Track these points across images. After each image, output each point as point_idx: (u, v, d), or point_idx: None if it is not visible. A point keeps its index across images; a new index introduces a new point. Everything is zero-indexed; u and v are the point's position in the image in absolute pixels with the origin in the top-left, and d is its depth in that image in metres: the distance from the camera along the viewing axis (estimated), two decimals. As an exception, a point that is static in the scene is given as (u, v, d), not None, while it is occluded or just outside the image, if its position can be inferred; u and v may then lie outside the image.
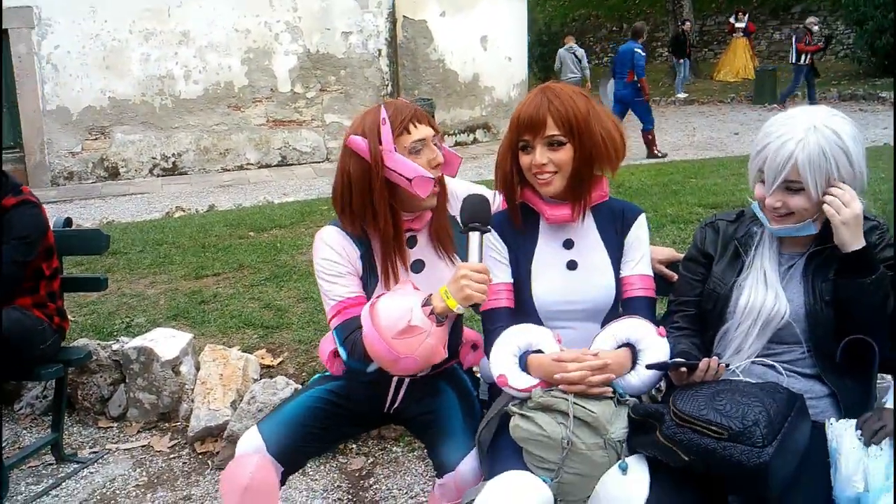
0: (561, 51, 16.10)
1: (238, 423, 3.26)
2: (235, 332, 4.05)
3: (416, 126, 2.11)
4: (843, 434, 1.79)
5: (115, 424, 3.67)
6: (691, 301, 2.12)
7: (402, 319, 1.94)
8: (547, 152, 2.06)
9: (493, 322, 2.16)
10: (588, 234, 2.17)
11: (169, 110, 12.49)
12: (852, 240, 1.84)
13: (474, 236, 1.99)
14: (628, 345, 2.02)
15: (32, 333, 3.02)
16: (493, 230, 2.15)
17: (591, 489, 1.89)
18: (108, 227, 7.49)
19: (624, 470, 1.85)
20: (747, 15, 21.76)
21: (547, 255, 2.17)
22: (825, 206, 1.85)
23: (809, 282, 1.95)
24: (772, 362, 1.96)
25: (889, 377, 2.05)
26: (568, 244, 2.16)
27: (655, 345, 2.00)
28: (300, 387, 3.44)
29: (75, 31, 11.76)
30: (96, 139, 12.16)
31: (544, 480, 1.87)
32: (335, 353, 2.32)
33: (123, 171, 12.34)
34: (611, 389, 1.95)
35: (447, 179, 2.27)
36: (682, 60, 20.77)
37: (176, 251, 5.70)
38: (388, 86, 13.54)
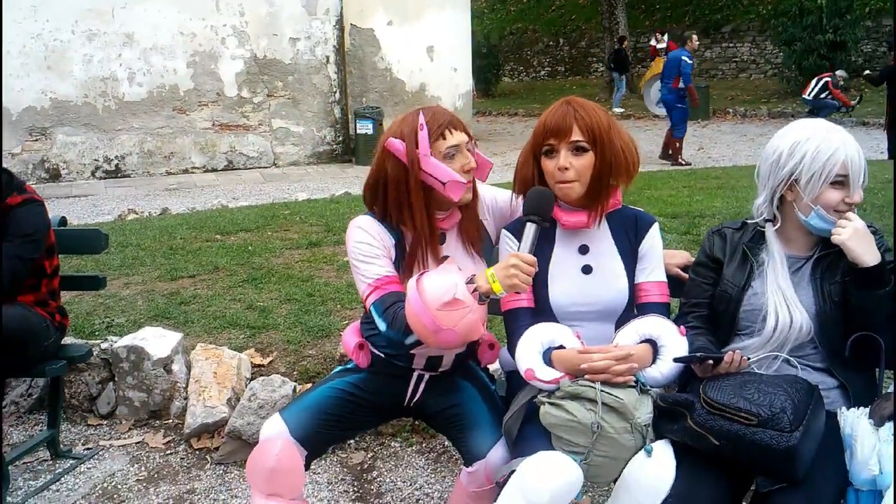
0: None
1: (240, 419, 3.32)
2: (221, 332, 4.09)
3: (451, 132, 2.23)
4: (857, 422, 1.97)
5: (105, 422, 3.68)
6: (703, 303, 2.29)
7: (448, 293, 2.04)
8: (570, 157, 2.19)
9: (515, 321, 2.28)
10: (602, 240, 2.31)
11: (112, 112, 12.32)
12: (865, 255, 2.03)
13: (530, 227, 2.10)
14: (650, 341, 2.17)
15: (38, 330, 3.03)
16: (506, 231, 2.33)
17: (618, 471, 2.03)
18: (62, 229, 7.36)
19: (649, 453, 2.00)
20: (666, 35, 22.13)
21: (563, 260, 2.30)
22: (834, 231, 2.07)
23: (818, 285, 2.14)
24: (786, 356, 2.14)
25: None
26: (583, 249, 2.30)
27: (676, 342, 2.15)
28: (296, 384, 3.52)
29: (16, 29, 11.45)
30: (37, 140, 11.90)
31: (574, 461, 2.01)
32: (360, 346, 2.43)
33: (65, 173, 12.10)
34: (633, 378, 2.10)
35: (478, 184, 2.39)
36: (622, 76, 21.29)
37: (144, 253, 5.68)
38: (335, 92, 13.61)
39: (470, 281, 2.10)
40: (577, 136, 2.18)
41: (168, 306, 4.45)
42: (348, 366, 2.49)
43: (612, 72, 22.04)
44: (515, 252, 2.10)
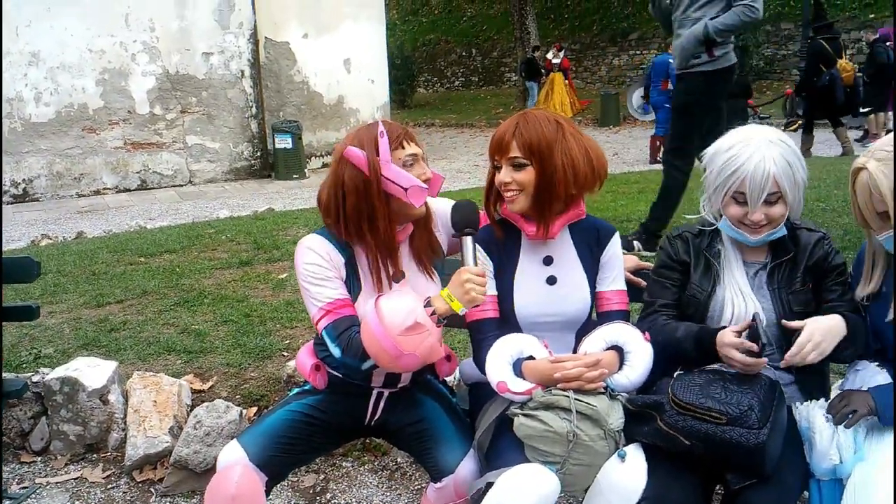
0: None
1: (185, 448, 3.21)
2: (156, 358, 3.96)
3: (408, 143, 2.24)
4: (813, 415, 2.03)
5: (39, 458, 3.51)
6: (672, 304, 2.31)
7: (409, 317, 2.04)
8: (511, 172, 2.22)
9: (481, 332, 2.29)
10: (566, 252, 2.33)
11: (18, 134, 11.86)
12: (832, 347, 2.03)
13: (468, 240, 2.16)
14: (616, 348, 2.20)
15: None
16: (479, 238, 2.32)
17: (592, 478, 2.04)
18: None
19: (623, 457, 2.02)
20: (562, 52, 22.36)
21: (528, 271, 2.32)
22: (794, 358, 2.02)
23: (777, 294, 2.19)
24: None
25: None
26: (547, 260, 2.32)
27: (641, 348, 2.17)
28: (242, 409, 3.43)
29: (-87, 49, 10.93)
30: (-62, 164, 11.34)
31: (551, 471, 2.01)
32: (316, 367, 2.38)
33: (-31, 199, 11.56)
34: (604, 385, 2.12)
35: (429, 200, 2.39)
36: (534, 83, 21.57)
37: (65, 279, 5.46)
38: (252, 107, 13.39)
39: (427, 303, 2.11)
40: (514, 152, 2.21)
41: (97, 334, 4.28)
42: (305, 387, 2.44)
43: (525, 80, 22.33)
44: (464, 268, 2.13)
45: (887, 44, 13.36)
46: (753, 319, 2.03)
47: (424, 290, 2.23)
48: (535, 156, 2.18)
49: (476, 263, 2.16)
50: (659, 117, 13.35)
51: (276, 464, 2.27)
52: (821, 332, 2.01)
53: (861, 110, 13.23)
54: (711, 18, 4.96)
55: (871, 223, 2.04)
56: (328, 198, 2.26)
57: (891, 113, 13.40)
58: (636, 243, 5.40)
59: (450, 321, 2.44)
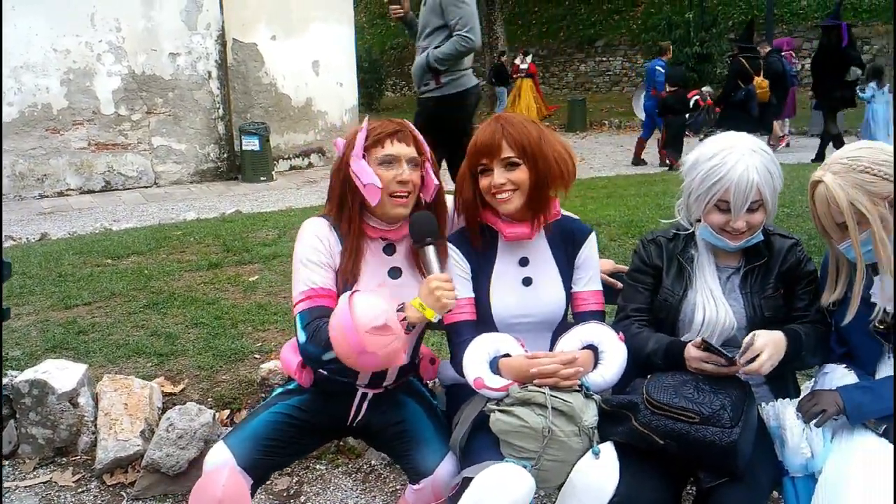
0: None
1: (158, 451, 3.19)
2: (126, 361, 3.92)
3: (392, 143, 2.27)
4: (782, 412, 2.09)
5: (7, 462, 3.46)
6: (644, 308, 2.36)
7: (380, 317, 2.06)
8: (504, 173, 2.25)
9: (459, 334, 2.32)
10: (542, 253, 2.37)
11: (-21, 133, 11.63)
12: (779, 359, 2.08)
13: (429, 250, 2.20)
14: (591, 347, 2.23)
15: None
16: (450, 243, 2.36)
17: (565, 474, 2.08)
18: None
19: (597, 454, 2.06)
20: (529, 56, 22.52)
21: (504, 272, 2.35)
22: (747, 370, 2.07)
23: (749, 298, 2.24)
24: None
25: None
26: (523, 262, 2.36)
27: (616, 348, 2.22)
28: (214, 412, 3.42)
29: None
30: None
31: (524, 467, 2.04)
32: (302, 365, 2.38)
33: (-71, 199, 11.33)
34: (579, 382, 2.15)
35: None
36: (504, 89, 21.67)
37: (31, 281, 5.38)
38: (219, 108, 13.29)
39: (400, 309, 2.14)
40: (507, 152, 2.24)
41: (66, 336, 4.23)
42: (289, 386, 2.45)
43: (493, 86, 22.40)
44: (432, 276, 2.17)
45: (781, 53, 13.93)
46: (703, 341, 2.08)
47: (414, 292, 2.24)
48: (528, 154, 2.23)
49: (443, 270, 2.21)
50: (657, 122, 13.73)
51: (261, 466, 2.29)
52: (773, 344, 2.06)
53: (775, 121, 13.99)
54: (435, 48, 5.42)
55: (832, 233, 2.10)
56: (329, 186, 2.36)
57: (787, 119, 14.39)
58: None
59: (428, 323, 2.47)
